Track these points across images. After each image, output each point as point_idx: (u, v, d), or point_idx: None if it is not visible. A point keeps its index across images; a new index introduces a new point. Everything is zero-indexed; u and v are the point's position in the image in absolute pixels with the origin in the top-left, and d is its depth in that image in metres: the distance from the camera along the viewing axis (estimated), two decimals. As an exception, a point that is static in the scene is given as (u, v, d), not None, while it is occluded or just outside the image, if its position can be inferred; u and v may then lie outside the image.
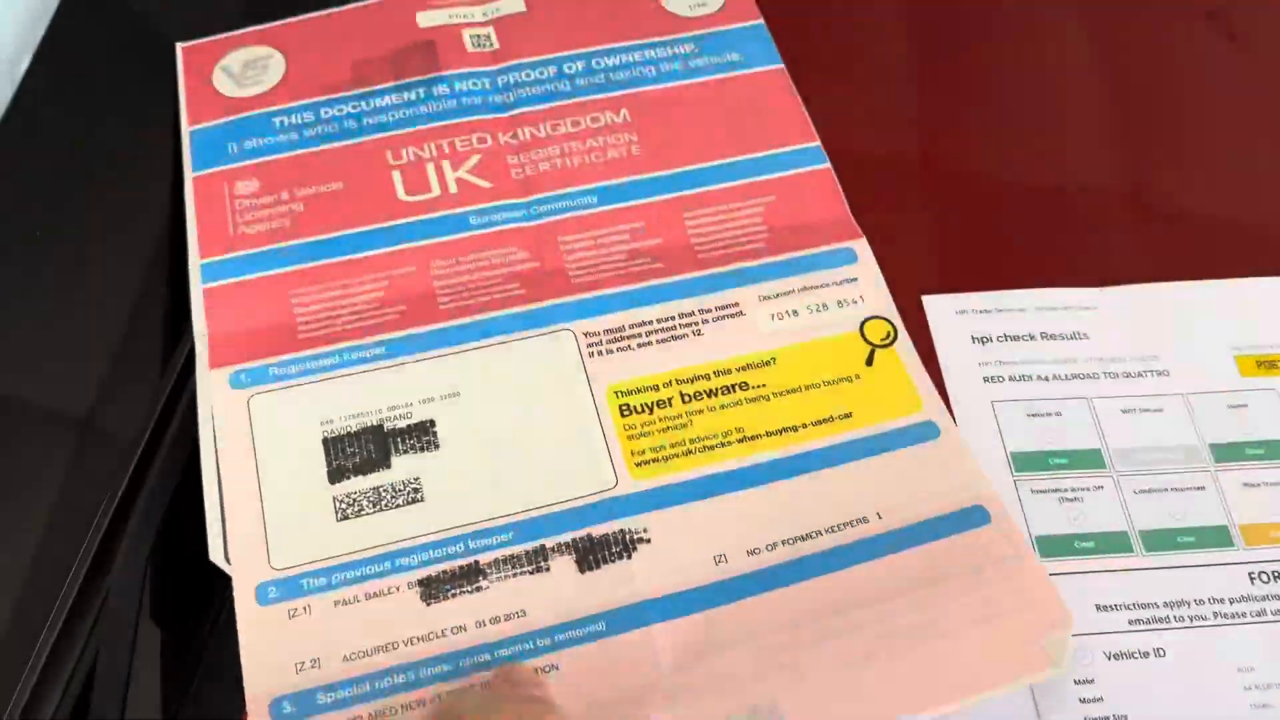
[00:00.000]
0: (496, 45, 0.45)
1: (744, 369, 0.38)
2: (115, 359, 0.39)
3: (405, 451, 0.36)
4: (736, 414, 0.37)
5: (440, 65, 0.45)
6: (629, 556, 0.34)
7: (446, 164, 0.42)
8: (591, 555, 0.34)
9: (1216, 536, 0.37)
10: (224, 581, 0.34)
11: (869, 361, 0.38)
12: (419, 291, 0.39)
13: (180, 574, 0.35)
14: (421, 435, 0.36)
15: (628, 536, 0.34)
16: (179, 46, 0.45)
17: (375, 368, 0.37)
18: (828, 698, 0.32)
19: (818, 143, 0.43)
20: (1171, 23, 0.52)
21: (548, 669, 0.32)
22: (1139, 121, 0.48)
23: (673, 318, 0.39)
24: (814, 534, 0.34)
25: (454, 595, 0.33)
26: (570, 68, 0.45)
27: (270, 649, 0.32)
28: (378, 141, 0.43)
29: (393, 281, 0.39)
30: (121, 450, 0.36)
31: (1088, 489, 0.38)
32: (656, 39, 0.46)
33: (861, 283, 0.40)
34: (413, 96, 0.44)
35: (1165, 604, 0.36)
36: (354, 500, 0.35)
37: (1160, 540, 0.37)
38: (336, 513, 0.35)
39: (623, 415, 0.37)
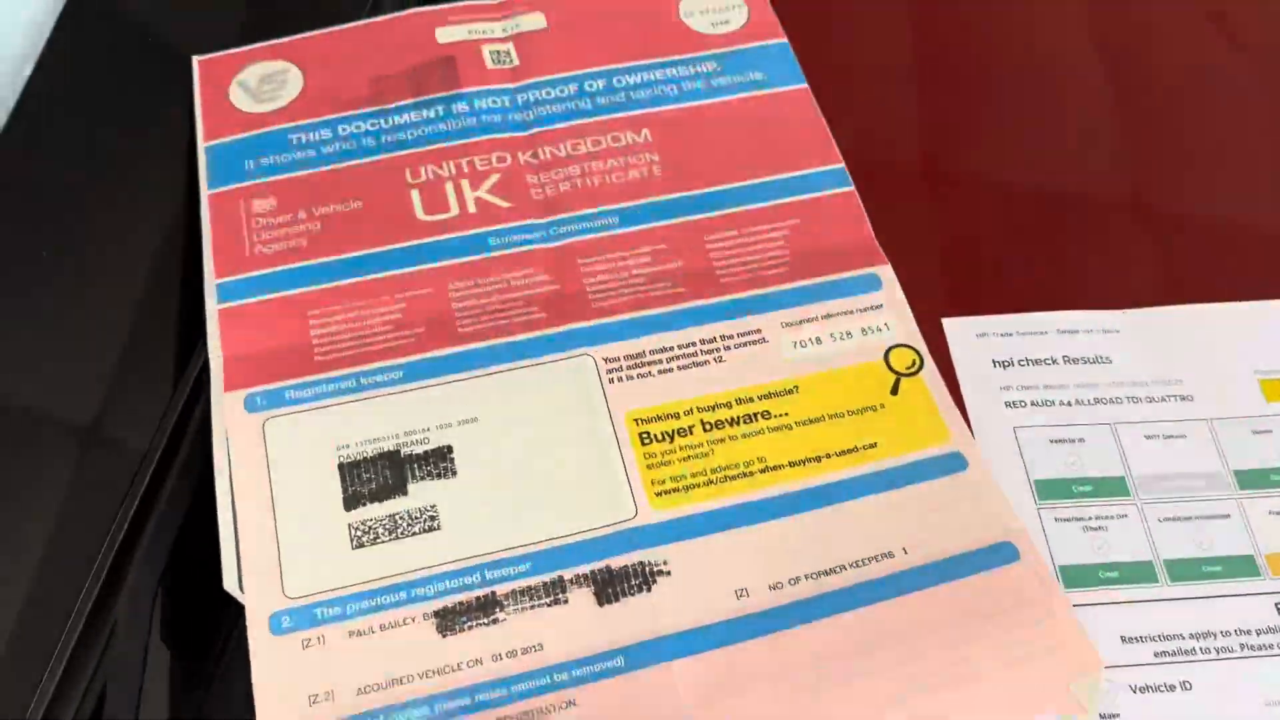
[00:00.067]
0: (517, 62, 0.45)
1: (766, 397, 0.37)
2: (128, 376, 0.38)
3: (422, 478, 0.35)
4: (759, 443, 0.36)
5: (460, 82, 0.44)
6: (649, 589, 0.33)
7: (466, 183, 0.41)
8: (610, 588, 0.33)
9: (1243, 566, 0.36)
10: (235, 609, 0.33)
11: (894, 390, 0.38)
12: (437, 314, 0.39)
13: (192, 600, 0.35)
14: (439, 461, 0.36)
15: (647, 569, 0.34)
16: (195, 60, 0.45)
17: (392, 392, 0.37)
18: None
19: (842, 164, 0.42)
20: (1187, 39, 0.51)
21: (565, 705, 0.31)
22: (1158, 140, 0.48)
23: (694, 344, 0.38)
24: (838, 569, 0.34)
25: (470, 627, 0.33)
26: (591, 85, 0.44)
27: (283, 680, 0.32)
28: (396, 159, 0.42)
29: (410, 303, 0.39)
30: (132, 470, 0.35)
31: (1111, 517, 0.37)
32: (678, 57, 0.45)
33: (886, 310, 0.39)
34: (432, 114, 0.43)
35: (1191, 635, 0.35)
36: (370, 528, 0.34)
37: (1186, 570, 0.36)
38: (352, 540, 0.34)
39: (643, 443, 0.36)
